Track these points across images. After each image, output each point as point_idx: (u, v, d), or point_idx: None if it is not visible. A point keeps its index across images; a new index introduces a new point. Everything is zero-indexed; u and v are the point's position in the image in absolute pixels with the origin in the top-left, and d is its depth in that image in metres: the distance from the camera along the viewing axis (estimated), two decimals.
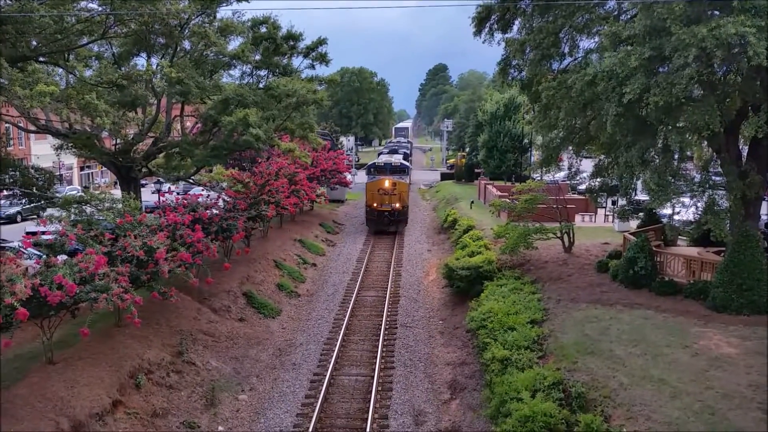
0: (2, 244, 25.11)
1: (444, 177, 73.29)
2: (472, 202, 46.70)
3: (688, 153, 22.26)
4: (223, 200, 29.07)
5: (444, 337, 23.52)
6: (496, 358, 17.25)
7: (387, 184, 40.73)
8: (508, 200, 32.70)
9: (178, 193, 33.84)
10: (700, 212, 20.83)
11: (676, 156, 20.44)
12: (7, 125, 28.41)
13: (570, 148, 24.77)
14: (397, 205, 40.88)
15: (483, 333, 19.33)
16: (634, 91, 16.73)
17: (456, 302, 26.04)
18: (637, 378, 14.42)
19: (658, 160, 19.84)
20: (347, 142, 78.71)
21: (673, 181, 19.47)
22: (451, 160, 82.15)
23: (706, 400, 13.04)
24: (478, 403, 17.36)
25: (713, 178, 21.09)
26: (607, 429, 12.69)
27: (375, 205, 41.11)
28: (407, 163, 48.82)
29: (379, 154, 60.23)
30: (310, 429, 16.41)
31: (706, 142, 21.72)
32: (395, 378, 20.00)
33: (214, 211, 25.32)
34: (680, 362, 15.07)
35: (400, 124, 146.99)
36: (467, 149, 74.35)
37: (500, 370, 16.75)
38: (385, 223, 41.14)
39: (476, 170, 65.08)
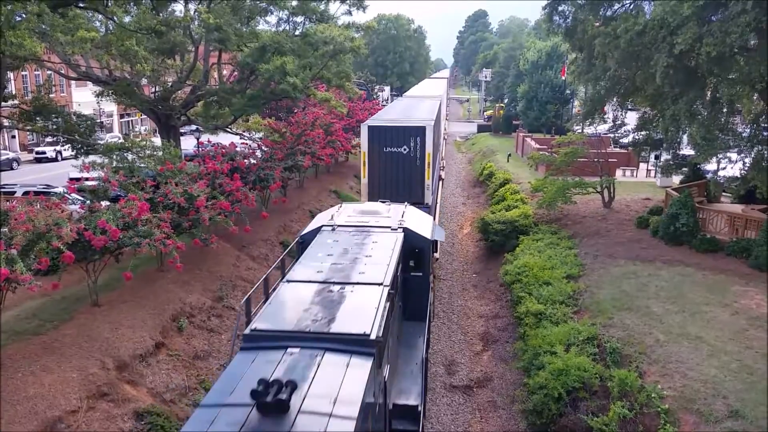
0: (47, 190, 25.84)
1: (481, 129, 72.03)
2: (510, 155, 45.94)
3: (737, 106, 21.40)
4: (261, 150, 29.20)
5: (478, 290, 23.60)
6: (530, 311, 17.24)
7: None
8: (546, 153, 32.04)
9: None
10: (746, 168, 20.17)
11: (724, 109, 19.66)
12: (49, 72, 28.74)
13: (614, 99, 24.04)
14: None
15: (517, 287, 19.29)
16: (686, 42, 16.00)
17: (490, 256, 25.98)
18: (673, 335, 14.28)
19: (705, 113, 19.11)
20: (383, 92, 77.44)
21: (720, 135, 18.80)
22: (489, 112, 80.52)
23: (744, 360, 12.86)
24: (510, 356, 17.50)
25: (763, 133, 20.29)
26: (642, 385, 12.65)
27: None
28: None
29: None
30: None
31: (756, 95, 20.82)
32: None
33: (252, 161, 25.49)
34: (719, 320, 14.84)
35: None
36: (506, 100, 72.71)
37: (534, 324, 16.76)
38: None
39: (514, 122, 63.80)
